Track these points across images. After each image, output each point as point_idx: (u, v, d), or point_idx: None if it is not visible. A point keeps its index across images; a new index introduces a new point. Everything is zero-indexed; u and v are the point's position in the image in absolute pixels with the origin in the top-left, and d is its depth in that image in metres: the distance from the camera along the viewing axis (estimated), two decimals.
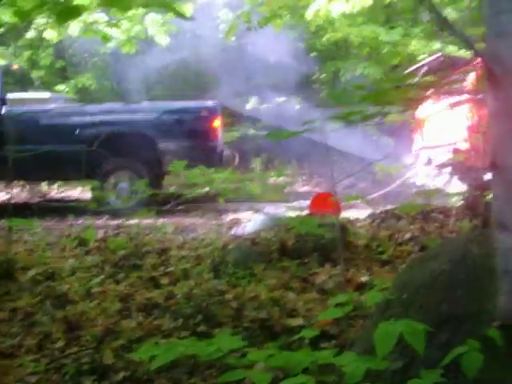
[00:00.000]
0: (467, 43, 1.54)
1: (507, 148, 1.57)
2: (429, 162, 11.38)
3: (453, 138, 9.99)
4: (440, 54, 6.59)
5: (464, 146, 9.09)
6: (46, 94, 11.91)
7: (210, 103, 10.54)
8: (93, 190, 9.38)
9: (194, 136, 10.01)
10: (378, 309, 2.39)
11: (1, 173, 9.43)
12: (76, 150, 9.76)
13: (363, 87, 2.06)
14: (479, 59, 1.58)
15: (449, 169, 10.07)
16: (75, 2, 2.27)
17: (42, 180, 11.76)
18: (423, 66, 11.31)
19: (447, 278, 2.25)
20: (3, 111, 10.16)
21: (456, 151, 9.71)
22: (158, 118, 10.11)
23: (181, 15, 2.34)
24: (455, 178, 11.45)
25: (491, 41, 1.54)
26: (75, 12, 2.15)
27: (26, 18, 3.05)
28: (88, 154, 9.77)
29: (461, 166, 8.16)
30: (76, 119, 10.25)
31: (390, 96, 1.95)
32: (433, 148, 11.46)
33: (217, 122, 10.10)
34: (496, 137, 1.57)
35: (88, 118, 10.22)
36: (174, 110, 10.42)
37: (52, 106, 10.55)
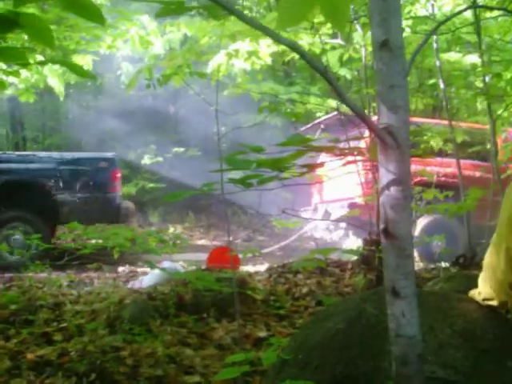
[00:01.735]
0: (360, 116, 1.60)
1: (398, 217, 1.63)
2: (326, 215, 11.62)
3: (350, 193, 10.27)
4: (336, 111, 6.77)
5: (360, 200, 9.33)
6: None
7: (109, 154, 10.39)
8: None
9: (92, 187, 9.86)
10: (273, 369, 2.39)
11: None
12: None
13: (262, 150, 2.10)
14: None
15: (345, 223, 10.33)
16: None
17: None
18: (320, 123, 11.64)
19: (342, 338, 2.27)
20: None
21: (352, 206, 9.98)
22: (56, 168, 9.87)
23: (85, 75, 2.32)
24: (351, 231, 11.78)
25: (384, 114, 1.61)
26: None
27: None
28: None
29: (356, 221, 8.38)
30: None
31: (286, 161, 2.00)
32: (330, 202, 11.73)
33: (116, 174, 9.98)
34: (387, 206, 1.63)
35: None
36: (72, 160, 10.18)
37: None
